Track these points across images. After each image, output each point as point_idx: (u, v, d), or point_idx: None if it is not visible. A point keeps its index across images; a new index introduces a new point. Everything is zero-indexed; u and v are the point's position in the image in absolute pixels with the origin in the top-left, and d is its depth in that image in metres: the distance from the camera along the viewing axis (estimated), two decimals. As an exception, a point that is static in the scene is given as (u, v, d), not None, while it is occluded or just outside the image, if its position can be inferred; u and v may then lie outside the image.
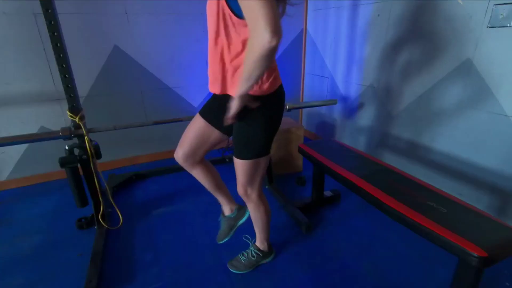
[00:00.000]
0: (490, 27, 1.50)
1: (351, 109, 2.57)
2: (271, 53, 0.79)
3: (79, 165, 1.57)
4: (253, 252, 1.45)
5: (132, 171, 2.37)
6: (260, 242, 1.46)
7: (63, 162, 1.51)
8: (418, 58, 1.89)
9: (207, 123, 1.21)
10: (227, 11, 0.90)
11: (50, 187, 2.27)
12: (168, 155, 2.74)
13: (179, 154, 1.25)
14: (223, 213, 1.48)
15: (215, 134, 1.22)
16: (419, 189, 1.33)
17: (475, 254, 0.95)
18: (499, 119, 1.54)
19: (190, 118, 1.94)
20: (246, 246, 1.55)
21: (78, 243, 1.65)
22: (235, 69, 1.00)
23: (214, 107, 1.19)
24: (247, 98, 0.95)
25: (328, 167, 1.60)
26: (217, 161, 2.55)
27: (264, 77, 1.02)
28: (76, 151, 1.58)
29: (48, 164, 2.29)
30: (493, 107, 1.56)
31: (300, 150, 1.87)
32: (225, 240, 1.46)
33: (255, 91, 1.02)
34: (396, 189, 1.32)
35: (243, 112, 1.00)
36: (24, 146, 2.22)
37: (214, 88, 1.08)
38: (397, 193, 1.29)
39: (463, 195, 1.77)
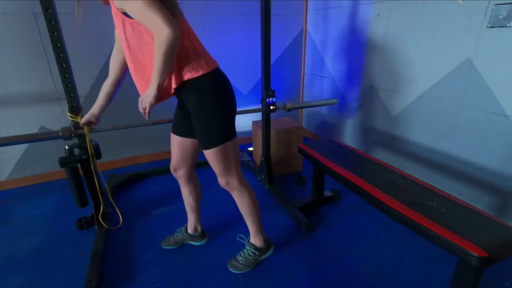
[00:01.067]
0: (490, 27, 1.50)
1: (351, 109, 2.57)
2: (175, 44, 0.93)
3: (79, 165, 1.57)
4: (249, 251, 1.45)
5: (132, 171, 2.37)
6: (254, 236, 1.45)
7: (63, 162, 1.51)
8: (418, 58, 1.89)
9: (179, 137, 1.34)
10: (127, 20, 0.98)
11: (50, 187, 2.27)
12: (168, 155, 2.72)
13: (171, 168, 1.44)
14: (186, 228, 1.61)
15: (190, 142, 1.34)
16: (419, 189, 1.33)
17: (475, 254, 0.95)
18: (499, 119, 1.54)
19: (190, 118, 1.95)
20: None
21: (78, 243, 1.65)
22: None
23: (177, 119, 1.33)
24: (160, 91, 1.04)
25: (328, 167, 1.60)
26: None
27: (192, 63, 1.07)
28: (76, 151, 1.58)
29: (48, 164, 2.29)
30: (493, 107, 1.56)
31: (300, 150, 1.87)
32: (168, 247, 1.60)
33: (190, 75, 1.07)
34: (396, 189, 1.32)
35: (191, 103, 1.12)
36: (24, 146, 2.22)
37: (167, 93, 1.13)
38: (397, 193, 1.29)
39: (463, 195, 1.77)
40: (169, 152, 2.71)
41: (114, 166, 2.53)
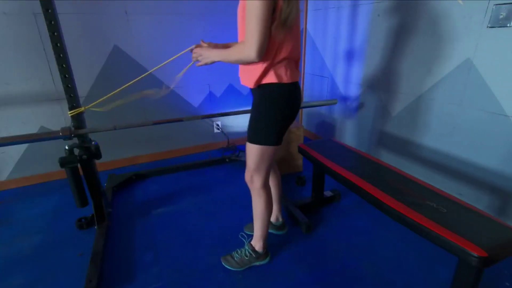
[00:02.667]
0: (490, 27, 1.50)
1: (351, 109, 2.57)
2: (247, 63, 1.10)
3: (79, 165, 1.57)
4: (246, 252, 1.45)
5: (132, 171, 2.37)
6: (256, 240, 1.45)
7: (63, 162, 1.51)
8: (418, 58, 1.89)
9: None
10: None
11: (50, 187, 2.27)
12: (168, 155, 2.74)
13: None
14: None
15: None
16: (419, 189, 1.33)
17: (475, 254, 0.95)
18: (499, 119, 1.54)
19: (190, 118, 1.96)
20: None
21: (78, 243, 1.65)
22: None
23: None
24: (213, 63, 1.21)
25: (328, 167, 1.60)
26: (217, 161, 2.55)
27: (277, 75, 1.13)
28: (76, 151, 1.58)
29: (48, 164, 2.29)
30: (493, 107, 1.56)
31: (300, 150, 1.87)
32: (250, 233, 1.64)
33: (266, 80, 1.14)
34: (396, 189, 1.32)
35: (258, 98, 1.20)
36: (24, 146, 2.22)
37: (243, 80, 1.25)
38: (397, 193, 1.29)
39: (463, 195, 1.77)
40: (169, 152, 2.74)
41: (114, 166, 2.53)
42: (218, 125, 2.85)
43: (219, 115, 1.99)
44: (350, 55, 2.48)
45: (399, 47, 2.01)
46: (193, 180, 2.32)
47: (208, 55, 1.20)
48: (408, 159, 2.10)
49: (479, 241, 0.99)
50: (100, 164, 2.18)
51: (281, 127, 1.22)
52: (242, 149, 2.78)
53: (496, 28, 1.47)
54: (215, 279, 1.41)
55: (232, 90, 2.80)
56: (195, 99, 2.67)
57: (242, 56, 1.05)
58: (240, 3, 1.09)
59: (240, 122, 2.95)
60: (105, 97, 1.55)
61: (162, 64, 1.47)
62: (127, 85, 1.52)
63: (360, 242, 1.64)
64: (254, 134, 1.23)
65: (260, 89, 1.18)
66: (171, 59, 1.43)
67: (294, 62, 1.20)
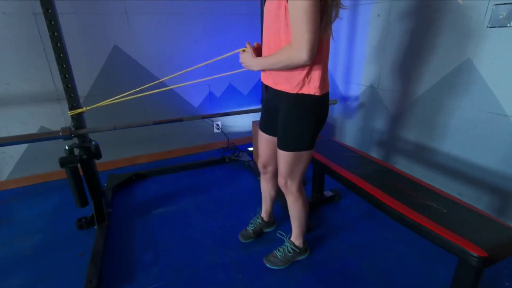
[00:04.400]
0: (490, 27, 1.50)
1: (351, 109, 2.57)
2: (298, 67, 1.02)
3: (79, 165, 1.57)
4: (289, 248, 1.46)
5: (132, 171, 2.37)
6: (295, 237, 1.47)
7: (63, 162, 1.51)
8: (418, 58, 1.89)
9: (267, 135, 1.37)
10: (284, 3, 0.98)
11: (50, 187, 2.26)
12: (168, 155, 2.74)
13: (260, 164, 1.48)
14: (261, 218, 1.67)
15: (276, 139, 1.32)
16: (419, 189, 1.33)
17: (475, 254, 0.95)
18: (499, 119, 1.54)
19: (190, 118, 1.96)
20: (247, 246, 1.55)
21: (78, 243, 1.65)
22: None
23: (266, 117, 1.35)
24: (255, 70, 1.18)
25: (328, 167, 1.60)
26: (217, 161, 2.55)
27: (320, 81, 1.09)
28: (76, 151, 1.58)
29: (48, 164, 2.29)
30: (493, 107, 1.56)
31: (300, 150, 1.86)
32: (249, 241, 1.62)
33: (309, 90, 1.10)
34: (396, 189, 1.32)
35: (287, 107, 1.14)
36: (24, 146, 2.22)
37: (268, 80, 1.20)
38: (397, 193, 1.29)
39: (463, 195, 1.77)
40: (169, 152, 2.74)
41: (114, 166, 2.53)
42: (218, 125, 2.85)
43: (219, 115, 1.99)
44: (350, 55, 2.48)
45: (399, 47, 2.01)
46: (193, 180, 2.32)
47: (249, 64, 1.17)
48: (407, 159, 2.10)
49: (479, 241, 0.99)
50: (100, 164, 2.18)
51: (316, 132, 1.19)
52: (242, 149, 2.78)
53: (496, 28, 1.47)
54: (215, 279, 1.41)
55: (232, 90, 2.80)
56: (195, 99, 2.67)
57: (291, 60, 0.98)
58: (273, 3, 1.02)
59: (240, 122, 2.95)
60: (107, 101, 1.55)
61: (213, 59, 1.50)
62: (134, 90, 1.55)
63: (360, 242, 1.64)
64: (288, 142, 1.19)
65: (296, 98, 1.12)
66: (219, 58, 1.44)
67: (327, 71, 1.16)
